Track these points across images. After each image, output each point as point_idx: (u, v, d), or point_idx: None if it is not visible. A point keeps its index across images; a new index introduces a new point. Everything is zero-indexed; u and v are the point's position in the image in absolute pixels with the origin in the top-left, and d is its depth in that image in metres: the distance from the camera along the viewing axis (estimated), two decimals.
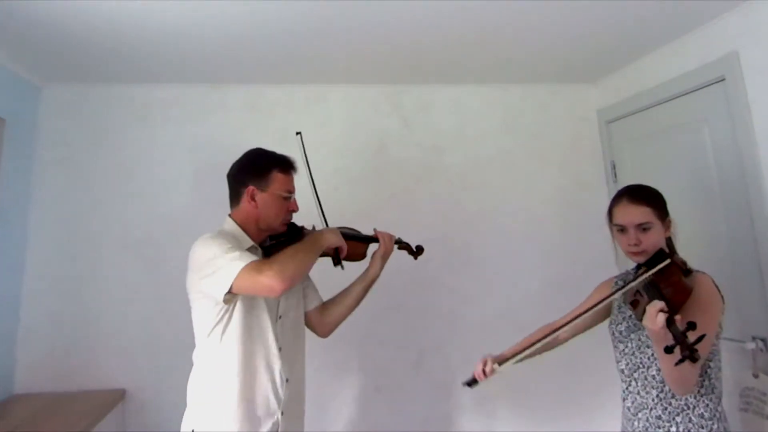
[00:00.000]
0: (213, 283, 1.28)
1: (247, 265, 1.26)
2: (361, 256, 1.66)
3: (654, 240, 1.39)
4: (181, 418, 1.43)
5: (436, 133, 2.57)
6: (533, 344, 1.38)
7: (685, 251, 2.11)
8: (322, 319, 1.64)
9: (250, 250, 1.43)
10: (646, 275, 1.29)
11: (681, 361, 1.05)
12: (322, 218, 1.64)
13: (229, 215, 1.50)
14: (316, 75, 2.37)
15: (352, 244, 1.61)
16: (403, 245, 1.77)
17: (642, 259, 1.41)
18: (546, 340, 1.38)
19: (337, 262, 1.56)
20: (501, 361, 1.41)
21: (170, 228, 2.27)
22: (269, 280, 1.23)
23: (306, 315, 1.64)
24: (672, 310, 1.14)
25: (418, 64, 2.29)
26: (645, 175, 2.34)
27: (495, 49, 2.15)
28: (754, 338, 1.81)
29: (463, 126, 2.59)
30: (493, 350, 2.40)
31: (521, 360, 1.40)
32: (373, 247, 1.68)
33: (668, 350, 1.06)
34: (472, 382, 1.41)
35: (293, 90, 2.47)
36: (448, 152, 2.56)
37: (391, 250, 1.66)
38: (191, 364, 1.46)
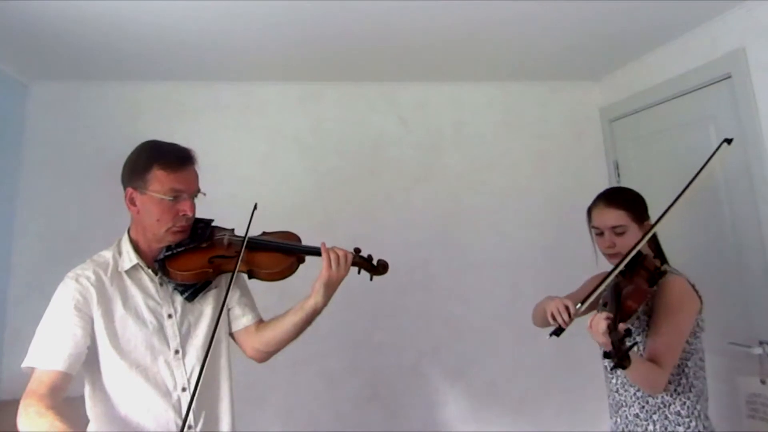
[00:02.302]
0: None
1: (36, 372, 1.11)
2: (280, 275, 1.29)
3: (629, 243, 1.42)
4: None
5: (434, 132, 2.54)
6: (593, 291, 1.36)
7: (689, 253, 2.10)
8: (252, 341, 1.35)
9: (132, 271, 1.26)
10: (610, 278, 1.36)
11: (614, 367, 1.11)
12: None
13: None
14: (310, 72, 2.34)
15: (267, 257, 1.30)
16: (357, 260, 1.33)
17: (617, 261, 1.44)
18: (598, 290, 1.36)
19: None
20: (581, 301, 1.36)
21: None
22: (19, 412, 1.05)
23: (233, 336, 1.38)
24: (622, 316, 1.22)
25: (415, 61, 2.26)
26: (649, 175, 2.34)
27: (494, 45, 2.12)
28: (761, 343, 1.78)
29: (461, 125, 2.56)
30: (494, 354, 2.40)
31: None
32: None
33: (605, 356, 1.13)
34: (558, 331, 1.34)
35: (286, 88, 2.44)
36: (446, 152, 2.53)
37: (339, 275, 1.26)
38: None
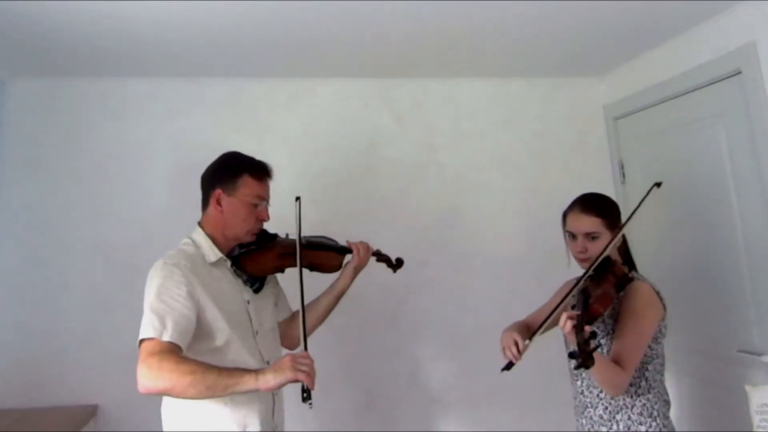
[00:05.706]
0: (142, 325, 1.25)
1: (150, 341, 1.18)
2: (335, 268, 1.64)
3: (601, 249, 1.49)
4: None
5: (431, 131, 2.49)
6: (542, 324, 1.46)
7: (695, 256, 2.03)
8: (288, 331, 1.62)
9: (217, 263, 1.41)
10: (580, 282, 1.44)
11: (578, 366, 1.18)
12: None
13: (199, 223, 1.48)
14: (302, 68, 2.29)
15: (324, 255, 1.62)
16: (382, 257, 1.73)
17: (587, 265, 1.52)
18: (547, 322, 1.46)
19: None
20: (529, 336, 1.45)
21: (146, 232, 2.20)
22: (140, 374, 1.14)
23: (279, 325, 1.62)
24: (588, 318, 1.29)
25: (412, 57, 2.21)
26: (655, 175, 2.26)
27: (494, 40, 2.07)
28: None
29: (459, 123, 2.51)
30: (493, 359, 2.33)
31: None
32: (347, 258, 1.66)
33: (570, 356, 1.20)
34: (510, 366, 1.44)
35: (277, 84, 2.38)
36: (443, 151, 2.48)
37: (366, 262, 1.63)
38: None
